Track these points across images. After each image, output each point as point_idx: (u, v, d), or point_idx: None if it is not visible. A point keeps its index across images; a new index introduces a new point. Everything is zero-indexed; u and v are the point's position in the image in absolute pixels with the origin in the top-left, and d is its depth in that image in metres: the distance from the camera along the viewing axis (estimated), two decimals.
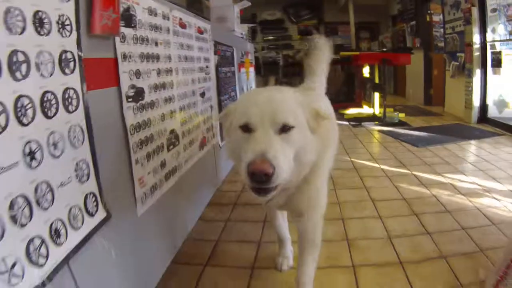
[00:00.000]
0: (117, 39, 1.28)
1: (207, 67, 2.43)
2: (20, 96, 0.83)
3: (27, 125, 0.85)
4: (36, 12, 0.89)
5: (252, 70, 4.41)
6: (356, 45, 10.99)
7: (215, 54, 2.63)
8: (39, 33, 0.90)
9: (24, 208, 0.84)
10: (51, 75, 0.94)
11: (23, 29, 0.85)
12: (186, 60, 2.02)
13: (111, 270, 1.24)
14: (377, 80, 6.51)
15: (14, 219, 0.80)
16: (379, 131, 5.45)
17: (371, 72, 6.65)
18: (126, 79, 1.33)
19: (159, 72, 1.63)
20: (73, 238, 1.01)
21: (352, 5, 10.14)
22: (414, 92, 9.02)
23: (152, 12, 1.58)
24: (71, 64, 1.02)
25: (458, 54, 6.28)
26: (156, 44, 1.61)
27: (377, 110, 6.45)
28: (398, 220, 2.44)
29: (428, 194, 2.85)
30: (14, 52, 0.82)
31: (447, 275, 1.82)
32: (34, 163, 0.87)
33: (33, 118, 0.87)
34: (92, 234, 1.09)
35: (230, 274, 1.91)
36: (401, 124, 5.86)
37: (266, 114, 1.11)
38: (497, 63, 5.58)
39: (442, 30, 7.12)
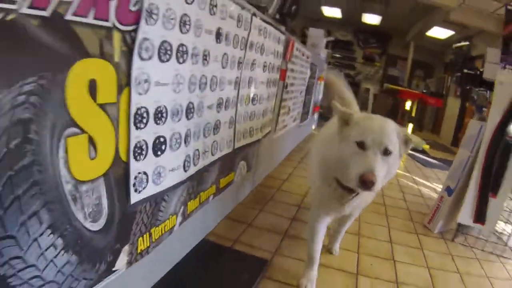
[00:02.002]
0: (288, 62, 3.15)
1: (307, 79, 4.30)
2: (268, 79, 2.68)
3: (270, 87, 2.71)
4: (275, 51, 2.73)
5: (323, 82, 6.23)
6: (408, 81, 12.26)
7: (311, 70, 4.48)
8: (276, 58, 2.75)
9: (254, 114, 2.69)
10: (274, 73, 2.78)
11: (275, 55, 2.70)
12: (300, 73, 3.87)
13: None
14: (413, 114, 8.18)
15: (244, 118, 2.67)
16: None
17: (411, 107, 8.29)
18: (286, 78, 3.20)
19: (293, 78, 3.49)
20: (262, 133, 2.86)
21: (413, 44, 11.52)
22: (447, 133, 10.40)
23: (297, 49, 3.44)
24: (277, 70, 2.87)
25: (484, 109, 7.76)
26: (294, 63, 3.47)
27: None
28: (392, 193, 4.17)
29: (415, 187, 4.58)
30: (268, 63, 2.67)
31: (407, 215, 3.58)
32: (262, 101, 2.72)
33: (274, 86, 2.73)
34: (267, 134, 2.95)
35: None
36: (423, 152, 7.50)
37: (376, 139, 1.51)
38: None
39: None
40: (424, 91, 10.09)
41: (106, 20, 0.95)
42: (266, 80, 2.57)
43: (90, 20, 0.89)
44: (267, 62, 2.50)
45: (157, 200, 1.39)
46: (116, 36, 1.00)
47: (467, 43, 9.05)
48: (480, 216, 3.03)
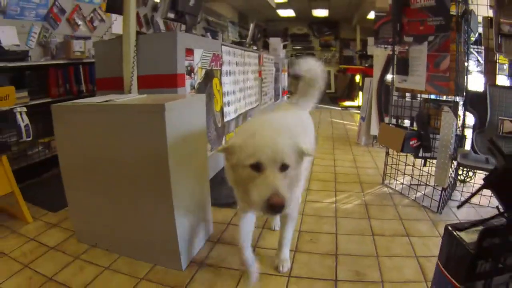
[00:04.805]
0: (261, 66, 6.13)
1: (274, 73, 7.28)
2: (254, 77, 5.65)
3: (256, 81, 5.68)
4: (255, 62, 5.69)
5: (285, 73, 9.22)
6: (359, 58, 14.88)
7: (275, 67, 7.46)
8: (256, 66, 5.71)
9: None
10: (256, 74, 5.75)
11: (255, 64, 5.67)
12: (269, 70, 6.84)
13: None
14: (360, 84, 11.20)
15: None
16: (355, 112, 10.20)
17: (359, 79, 11.31)
18: (262, 75, 6.17)
19: (265, 74, 6.44)
20: (256, 103, 5.80)
21: (359, 27, 14.41)
22: None
23: (265, 57, 6.39)
24: (257, 71, 5.85)
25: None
26: (264, 65, 6.41)
27: (361, 102, 11.12)
28: (337, 132, 7.16)
29: (351, 127, 7.59)
30: (253, 69, 5.65)
31: (346, 139, 6.56)
32: (253, 88, 5.66)
33: (257, 80, 5.70)
34: (258, 105, 5.90)
35: None
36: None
37: (271, 156, 1.48)
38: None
39: None
40: (366, 65, 12.90)
41: (217, 67, 3.92)
42: (253, 78, 5.53)
43: (216, 68, 3.87)
44: (253, 69, 5.46)
45: (229, 124, 4.35)
46: (219, 71, 3.98)
47: None
48: None
